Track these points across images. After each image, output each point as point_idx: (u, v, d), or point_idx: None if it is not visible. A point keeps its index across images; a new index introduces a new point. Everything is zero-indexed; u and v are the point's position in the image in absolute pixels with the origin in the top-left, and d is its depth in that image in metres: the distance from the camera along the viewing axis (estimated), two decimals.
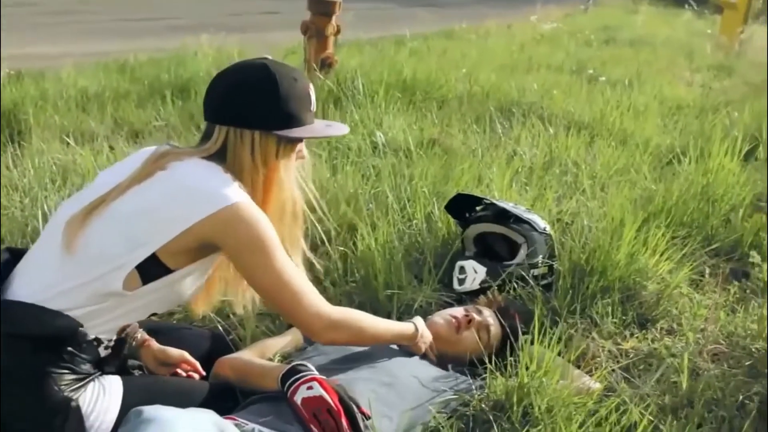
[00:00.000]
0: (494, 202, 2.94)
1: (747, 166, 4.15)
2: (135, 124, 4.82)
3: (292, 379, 1.79)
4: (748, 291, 2.88)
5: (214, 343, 2.24)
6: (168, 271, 1.75)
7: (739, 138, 4.06)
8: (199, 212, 1.70)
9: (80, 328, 1.70)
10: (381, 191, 3.35)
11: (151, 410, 1.36)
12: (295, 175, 1.94)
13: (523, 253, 2.82)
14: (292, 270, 1.80)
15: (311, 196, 2.02)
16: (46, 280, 1.72)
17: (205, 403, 1.77)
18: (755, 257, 2.98)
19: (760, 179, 4.17)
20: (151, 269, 1.73)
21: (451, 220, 3.10)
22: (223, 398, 1.90)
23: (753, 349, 2.36)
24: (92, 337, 1.74)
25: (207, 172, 1.78)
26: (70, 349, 1.69)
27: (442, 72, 6.11)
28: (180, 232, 1.69)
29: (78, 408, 1.68)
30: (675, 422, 1.97)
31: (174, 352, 2.07)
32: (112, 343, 1.82)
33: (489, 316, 2.34)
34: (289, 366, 1.86)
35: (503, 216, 2.89)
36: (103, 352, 1.79)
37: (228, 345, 2.25)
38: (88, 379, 1.74)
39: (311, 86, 1.93)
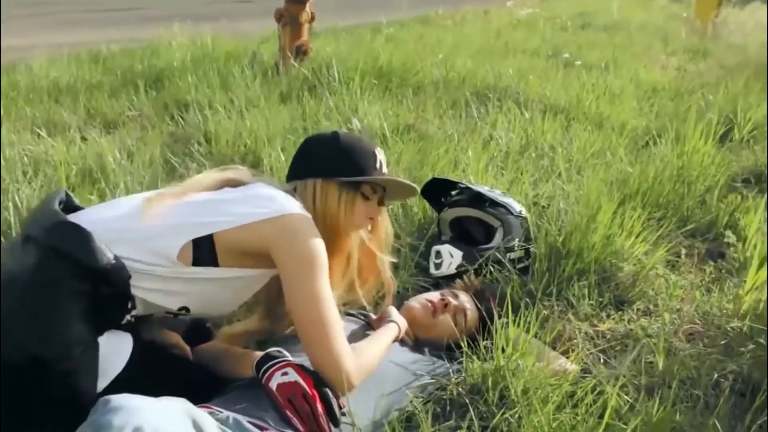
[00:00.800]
0: (470, 186, 2.93)
1: (722, 148, 4.18)
2: (108, 114, 4.78)
3: (267, 365, 1.77)
4: (723, 271, 2.89)
5: (192, 330, 2.22)
6: (216, 264, 1.81)
7: (713, 120, 4.07)
8: (263, 213, 1.81)
9: (128, 279, 1.73)
10: None
11: (119, 398, 1.34)
12: (360, 240, 2.07)
13: (499, 236, 2.82)
14: (330, 302, 1.79)
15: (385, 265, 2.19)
16: (110, 225, 1.79)
17: (186, 388, 1.76)
18: (730, 237, 3.00)
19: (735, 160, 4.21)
20: (204, 254, 1.80)
21: (427, 205, 3.09)
22: (200, 387, 1.88)
23: (728, 329, 2.38)
24: (131, 294, 1.76)
25: (281, 190, 1.93)
26: (108, 293, 1.71)
27: (419, 58, 6.10)
28: (241, 224, 1.79)
29: (97, 345, 1.70)
30: (650, 402, 1.98)
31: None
32: (133, 319, 1.83)
33: (465, 300, 2.34)
34: (264, 352, 1.84)
35: (479, 200, 2.88)
36: (125, 318, 1.80)
37: (206, 332, 2.23)
38: (105, 330, 1.75)
39: (379, 150, 2.08)
